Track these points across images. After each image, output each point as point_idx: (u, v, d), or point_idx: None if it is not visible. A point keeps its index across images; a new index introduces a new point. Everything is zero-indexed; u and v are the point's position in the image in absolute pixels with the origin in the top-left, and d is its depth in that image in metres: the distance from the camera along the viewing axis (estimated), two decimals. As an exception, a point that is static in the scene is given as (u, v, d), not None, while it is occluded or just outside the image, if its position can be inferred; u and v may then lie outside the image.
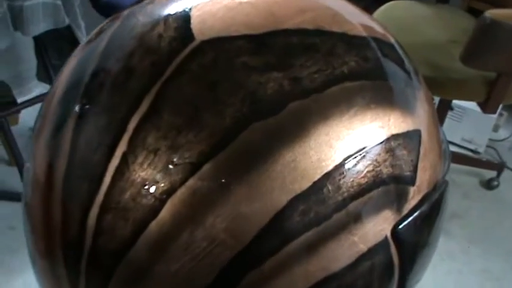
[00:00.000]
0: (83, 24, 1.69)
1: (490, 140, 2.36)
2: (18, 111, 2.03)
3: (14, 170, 1.96)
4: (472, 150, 2.36)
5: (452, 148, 2.37)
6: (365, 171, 0.34)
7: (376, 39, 0.40)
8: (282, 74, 0.34)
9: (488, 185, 2.21)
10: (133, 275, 0.33)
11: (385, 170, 0.35)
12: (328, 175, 0.33)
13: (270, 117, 0.33)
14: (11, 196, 1.95)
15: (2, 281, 1.72)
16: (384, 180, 0.35)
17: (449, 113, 2.26)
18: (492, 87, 1.72)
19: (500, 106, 2.28)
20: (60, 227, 0.36)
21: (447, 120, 2.29)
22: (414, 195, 0.37)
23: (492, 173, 2.22)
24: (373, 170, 0.34)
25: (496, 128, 2.31)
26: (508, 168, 2.27)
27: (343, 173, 0.33)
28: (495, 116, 2.24)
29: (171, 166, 0.32)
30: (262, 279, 0.32)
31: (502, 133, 2.43)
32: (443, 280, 1.85)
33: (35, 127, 0.41)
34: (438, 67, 1.76)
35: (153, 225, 0.32)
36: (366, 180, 0.34)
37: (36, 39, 1.83)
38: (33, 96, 2.22)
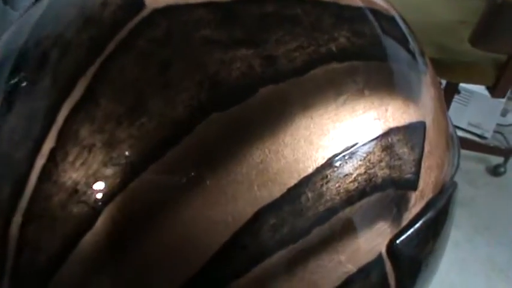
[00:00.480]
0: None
1: (498, 125, 2.29)
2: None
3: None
4: (478, 135, 2.29)
5: (458, 133, 2.30)
6: (355, 175, 0.27)
7: (375, 11, 0.33)
8: (253, 52, 0.27)
9: (495, 171, 2.15)
10: None
11: (381, 173, 0.28)
12: (307, 180, 0.26)
13: (234, 106, 0.26)
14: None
15: None
16: (378, 185, 0.28)
17: (456, 96, 2.19)
18: (502, 71, 1.66)
19: (509, 90, 2.21)
20: None
21: (455, 104, 2.21)
22: (416, 202, 0.30)
23: (499, 159, 2.15)
24: (365, 172, 0.27)
25: (504, 113, 2.24)
26: (515, 154, 2.20)
27: (326, 177, 0.26)
28: (503, 100, 2.17)
29: (108, 166, 0.25)
30: None
31: (511, 118, 2.36)
32: (447, 269, 1.80)
33: None
34: (446, 48, 1.69)
35: (87, 239, 0.26)
36: (355, 185, 0.27)
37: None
38: None
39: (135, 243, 0.25)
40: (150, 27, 0.28)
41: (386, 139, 0.29)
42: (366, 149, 0.28)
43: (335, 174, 0.27)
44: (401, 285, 0.31)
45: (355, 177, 0.27)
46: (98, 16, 0.28)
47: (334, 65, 0.28)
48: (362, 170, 0.27)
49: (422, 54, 0.35)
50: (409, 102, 0.30)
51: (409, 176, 0.29)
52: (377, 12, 0.33)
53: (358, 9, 0.32)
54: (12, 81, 0.29)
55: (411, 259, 0.31)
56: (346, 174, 0.27)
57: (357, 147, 0.28)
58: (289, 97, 0.27)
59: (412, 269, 0.32)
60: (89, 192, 0.26)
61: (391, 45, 0.32)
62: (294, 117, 0.26)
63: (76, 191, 0.26)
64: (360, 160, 0.27)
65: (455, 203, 0.35)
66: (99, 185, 0.25)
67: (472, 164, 2.19)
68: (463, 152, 1.90)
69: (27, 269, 0.27)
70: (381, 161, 0.28)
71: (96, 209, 0.25)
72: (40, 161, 0.26)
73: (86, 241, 0.26)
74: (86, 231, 0.26)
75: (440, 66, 1.70)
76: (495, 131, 2.29)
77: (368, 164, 0.28)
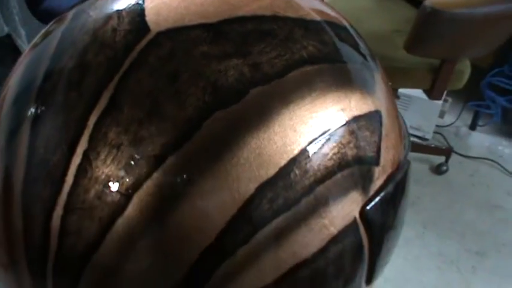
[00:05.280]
0: (23, 33, 1.64)
1: (437, 126, 2.42)
2: None
3: None
4: (420, 137, 2.41)
5: (401, 136, 2.42)
6: (331, 154, 0.34)
7: (331, 23, 0.39)
8: (242, 61, 0.33)
9: (438, 170, 2.27)
10: (102, 276, 0.32)
11: (350, 152, 0.35)
12: (294, 160, 0.32)
13: (232, 105, 0.32)
14: None
15: None
16: (349, 161, 0.34)
17: (397, 102, 2.30)
18: (436, 74, 1.76)
19: (445, 92, 2.34)
20: (21, 234, 0.34)
21: (394, 109, 2.33)
22: (379, 176, 0.37)
23: (441, 159, 2.27)
24: (338, 152, 0.34)
25: (441, 114, 2.37)
26: (456, 152, 2.33)
27: (309, 157, 0.33)
28: (440, 102, 2.30)
29: (134, 160, 0.31)
30: (234, 270, 0.31)
31: (448, 119, 2.49)
32: (401, 266, 1.89)
33: None
34: (383, 57, 1.79)
35: (120, 222, 0.31)
36: (332, 162, 0.34)
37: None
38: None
39: (161, 222, 0.31)
40: (157, 47, 0.33)
41: (352, 125, 0.35)
42: (337, 133, 0.34)
43: (315, 154, 0.33)
44: (372, 246, 0.37)
45: (331, 156, 0.34)
46: (111, 40, 0.34)
47: (307, 68, 0.35)
48: (336, 150, 0.34)
49: (373, 56, 0.42)
50: (367, 95, 0.37)
51: (372, 154, 0.36)
52: (332, 24, 0.40)
53: (318, 22, 0.39)
54: (39, 103, 0.35)
55: (379, 224, 0.37)
56: (324, 154, 0.33)
57: (330, 132, 0.34)
58: (274, 95, 0.33)
59: (381, 233, 0.38)
60: (120, 183, 0.31)
61: (347, 50, 0.39)
62: (279, 110, 0.33)
63: (109, 183, 0.31)
64: (334, 142, 0.34)
65: (410, 179, 0.42)
66: (128, 176, 0.31)
67: (416, 164, 2.30)
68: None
69: (68, 255, 0.32)
70: (349, 142, 0.35)
71: (127, 196, 0.31)
72: (75, 161, 0.32)
73: (119, 224, 0.31)
74: (119, 216, 0.31)
75: (380, 74, 1.80)
76: (435, 132, 2.41)
77: (340, 145, 0.34)
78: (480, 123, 2.50)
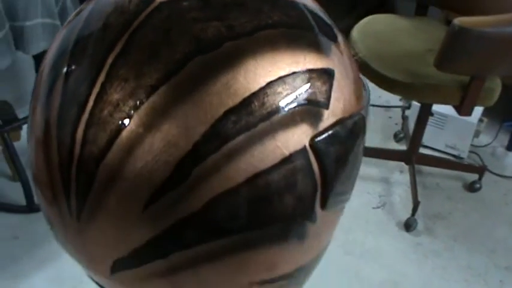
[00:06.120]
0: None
1: (473, 145, 2.46)
2: (20, 127, 2.13)
3: (17, 184, 2.06)
4: (455, 156, 2.46)
5: (436, 154, 2.48)
6: (284, 93, 0.44)
7: (305, 5, 0.51)
8: (220, 23, 0.45)
9: (471, 187, 2.31)
10: (110, 175, 0.43)
11: (301, 94, 0.45)
12: (254, 94, 0.43)
13: (210, 52, 0.44)
14: (15, 209, 2.05)
15: (7, 287, 1.81)
16: (301, 101, 0.45)
17: (433, 120, 2.37)
18: (466, 91, 1.83)
19: (480, 112, 2.39)
20: (57, 165, 0.46)
21: (432, 128, 2.40)
22: (328, 117, 0.47)
23: (474, 176, 2.32)
24: (291, 92, 0.45)
25: (477, 134, 2.42)
26: (489, 171, 2.37)
27: (266, 93, 0.44)
28: (475, 122, 2.35)
29: (136, 89, 0.43)
30: (205, 173, 0.42)
31: (484, 139, 2.53)
32: (429, 276, 1.94)
33: (31, 101, 0.52)
34: (415, 74, 1.88)
35: (124, 133, 0.43)
36: (285, 100, 0.44)
37: (36, 58, 1.94)
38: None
39: (153, 133, 0.42)
40: (158, 12, 0.45)
41: (305, 74, 0.46)
42: (291, 78, 0.45)
43: (271, 92, 0.44)
44: (323, 173, 0.47)
45: (284, 95, 0.44)
46: (127, 8, 0.46)
47: (271, 31, 0.46)
48: (289, 91, 0.45)
49: (335, 35, 0.52)
50: (321, 56, 0.48)
51: (322, 99, 0.47)
52: (306, 6, 0.51)
53: (292, 2, 0.50)
54: (70, 62, 0.47)
55: (328, 156, 0.47)
56: (279, 93, 0.44)
57: (285, 77, 0.45)
58: (243, 47, 0.44)
59: (331, 164, 0.47)
60: (125, 104, 0.43)
61: (307, 22, 0.49)
62: (245, 59, 0.44)
63: (118, 104, 0.43)
64: (288, 85, 0.45)
65: (364, 131, 0.52)
66: (131, 100, 0.43)
67: (450, 181, 2.36)
68: (441, 170, 2.07)
69: (87, 158, 0.44)
70: (301, 86, 0.45)
71: (129, 114, 0.43)
72: (95, 91, 0.44)
73: (123, 135, 0.43)
74: (124, 128, 0.43)
75: (411, 89, 1.88)
76: (471, 152, 2.46)
77: (293, 88, 0.45)
78: (517, 144, 2.54)
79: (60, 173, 0.46)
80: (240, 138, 0.43)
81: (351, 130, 0.49)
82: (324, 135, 0.46)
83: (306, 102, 0.46)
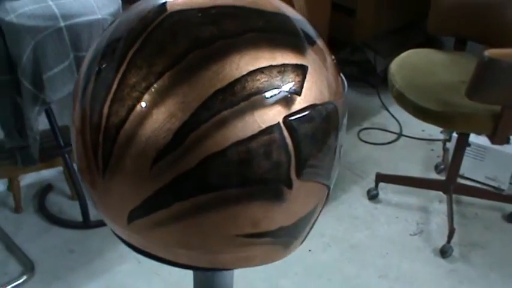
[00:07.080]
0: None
1: (513, 177, 2.49)
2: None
3: (75, 203, 2.24)
4: (495, 188, 2.49)
5: (476, 185, 2.52)
6: (262, 80, 0.57)
7: (287, 16, 0.64)
8: (216, 28, 0.58)
9: (510, 218, 2.34)
10: (127, 139, 0.57)
11: (277, 82, 0.57)
12: (237, 80, 0.56)
13: (206, 47, 0.57)
14: (72, 224, 2.22)
15: (62, 294, 1.97)
16: (275, 86, 0.57)
17: (472, 152, 2.43)
18: (498, 120, 1.90)
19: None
20: (89, 128, 0.60)
21: (472, 160, 2.46)
22: (301, 102, 0.59)
23: (514, 207, 2.35)
24: (267, 80, 0.57)
25: (517, 166, 2.45)
26: (529, 202, 2.39)
27: (247, 80, 0.56)
28: (515, 154, 2.39)
29: (148, 74, 0.57)
30: (198, 138, 0.55)
31: (525, 171, 2.55)
32: (462, 302, 1.98)
33: (72, 101, 0.66)
34: (448, 103, 1.95)
35: (138, 107, 0.57)
36: (262, 85, 0.57)
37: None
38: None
39: (158, 108, 0.55)
40: (169, 18, 0.59)
41: (280, 67, 0.58)
42: (268, 69, 0.57)
43: (251, 79, 0.56)
44: (296, 146, 0.58)
45: (262, 82, 0.57)
46: (145, 16, 0.61)
47: (255, 33, 0.59)
48: (266, 79, 0.57)
49: (313, 40, 0.65)
50: (296, 55, 0.60)
51: (294, 88, 0.59)
52: (289, 16, 0.64)
53: (272, 13, 0.63)
54: (102, 61, 0.62)
55: (300, 133, 0.58)
56: (257, 80, 0.56)
57: (264, 68, 0.57)
58: (231, 45, 0.57)
59: (303, 139, 0.58)
60: (139, 86, 0.56)
61: (286, 29, 0.62)
62: (233, 53, 0.57)
63: (134, 86, 0.57)
64: (265, 74, 0.57)
65: (336, 117, 0.64)
66: (144, 83, 0.56)
67: (488, 211, 2.39)
68: (480, 200, 2.12)
69: (110, 126, 0.58)
70: (276, 76, 0.58)
71: (142, 93, 0.56)
72: (118, 76, 0.58)
73: (137, 109, 0.56)
74: (138, 103, 0.56)
75: (443, 118, 1.95)
76: (511, 183, 2.49)
77: (269, 77, 0.57)
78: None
79: (91, 141, 0.60)
80: (226, 112, 0.56)
81: (322, 114, 0.61)
82: (296, 116, 0.58)
83: (280, 88, 0.58)
